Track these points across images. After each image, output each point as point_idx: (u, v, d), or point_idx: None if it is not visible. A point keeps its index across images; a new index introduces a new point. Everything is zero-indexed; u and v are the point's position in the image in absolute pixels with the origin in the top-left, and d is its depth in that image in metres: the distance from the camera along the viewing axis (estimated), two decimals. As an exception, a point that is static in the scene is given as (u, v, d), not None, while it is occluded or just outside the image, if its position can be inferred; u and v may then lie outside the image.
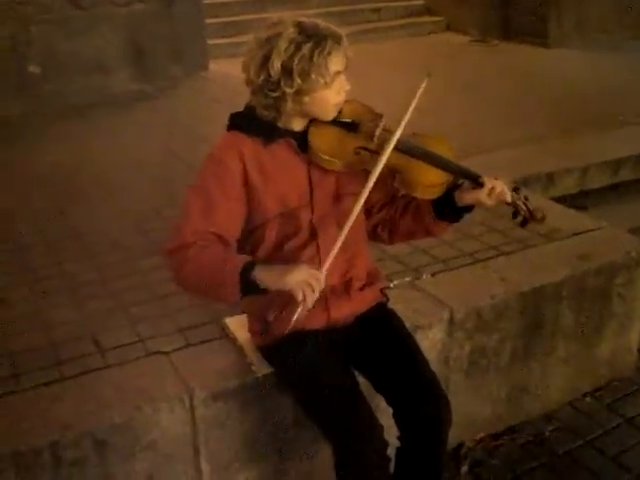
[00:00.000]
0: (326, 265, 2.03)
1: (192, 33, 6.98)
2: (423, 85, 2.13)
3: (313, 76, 2.01)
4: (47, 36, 6.13)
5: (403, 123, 2.10)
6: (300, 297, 1.96)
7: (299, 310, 2.00)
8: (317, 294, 1.98)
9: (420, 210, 2.26)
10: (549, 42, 8.54)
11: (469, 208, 2.22)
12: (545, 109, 5.87)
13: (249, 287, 2.02)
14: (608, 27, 8.80)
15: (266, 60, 2.02)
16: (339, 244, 2.03)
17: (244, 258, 2.06)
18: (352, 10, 9.30)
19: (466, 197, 2.17)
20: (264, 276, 2.01)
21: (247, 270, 2.00)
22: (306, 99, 2.06)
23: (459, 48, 8.45)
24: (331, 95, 2.08)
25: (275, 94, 2.04)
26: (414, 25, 9.32)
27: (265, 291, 2.03)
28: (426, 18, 9.52)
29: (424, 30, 9.23)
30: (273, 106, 2.08)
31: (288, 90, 2.02)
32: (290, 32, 2.00)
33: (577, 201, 4.45)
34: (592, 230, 3.44)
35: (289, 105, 2.06)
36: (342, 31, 2.08)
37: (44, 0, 6.07)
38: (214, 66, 7.20)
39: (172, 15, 6.77)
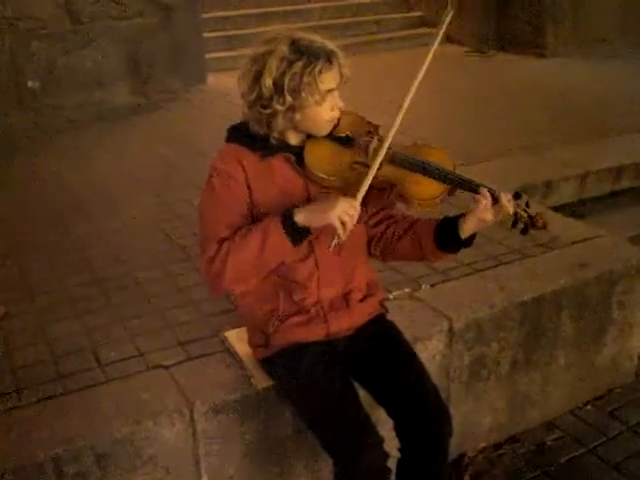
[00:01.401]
0: (359, 197, 2.02)
1: (191, 47, 7.01)
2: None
3: (304, 94, 2.02)
4: (46, 51, 6.16)
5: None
6: (340, 229, 1.99)
7: (336, 239, 2.02)
8: (355, 221, 2.00)
9: (420, 238, 2.24)
10: (546, 52, 8.56)
11: (470, 241, 2.19)
12: (542, 118, 5.89)
13: (295, 232, 2.04)
14: (606, 35, 8.81)
15: (258, 76, 2.04)
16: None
17: (277, 215, 2.07)
18: (353, 22, 9.37)
19: (469, 221, 2.13)
20: (304, 217, 2.03)
21: (288, 218, 2.03)
22: (297, 116, 2.07)
23: (456, 59, 8.47)
24: (323, 112, 2.09)
25: (267, 111, 2.05)
26: (412, 37, 9.35)
27: (309, 232, 2.06)
28: (424, 30, 9.55)
29: (422, 41, 9.24)
30: (265, 122, 2.09)
31: (279, 107, 2.03)
32: (282, 49, 2.02)
33: (576, 209, 4.46)
34: (591, 238, 3.44)
35: (280, 122, 2.08)
36: (338, 47, 2.08)
37: (43, 15, 6.09)
38: (213, 79, 7.22)
39: (171, 29, 6.80)
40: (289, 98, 2.02)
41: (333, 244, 2.03)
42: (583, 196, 4.65)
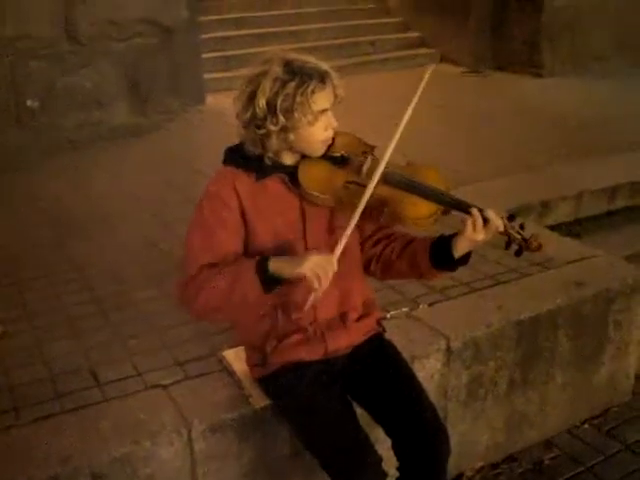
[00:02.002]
0: (337, 253, 2.03)
1: (189, 67, 7.04)
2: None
3: (296, 114, 2.04)
4: (45, 71, 6.18)
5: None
6: (315, 283, 1.99)
7: (313, 295, 2.03)
8: (330, 277, 2.00)
9: (416, 256, 2.24)
10: (542, 71, 8.61)
11: (465, 259, 2.19)
12: (539, 137, 5.93)
13: (268, 281, 2.05)
14: (603, 54, 8.87)
15: (252, 97, 2.06)
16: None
17: (253, 260, 2.08)
18: (349, 43, 9.40)
19: (460, 241, 2.12)
20: (279, 266, 2.04)
21: (262, 265, 2.04)
22: (291, 136, 2.09)
23: (452, 79, 8.52)
24: (317, 132, 2.11)
25: (261, 131, 2.07)
26: (409, 57, 9.40)
27: (282, 282, 2.06)
28: (420, 50, 9.61)
29: (418, 62, 9.31)
30: (260, 142, 2.11)
31: (272, 128, 2.05)
32: (276, 70, 2.04)
33: (572, 229, 4.47)
34: (588, 258, 3.46)
35: (274, 142, 2.09)
36: (332, 68, 2.11)
37: (43, 35, 6.12)
38: (211, 100, 7.24)
39: (170, 49, 6.83)
40: (282, 118, 2.04)
41: (309, 301, 2.04)
42: (579, 215, 4.67)
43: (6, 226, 4.26)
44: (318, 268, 1.99)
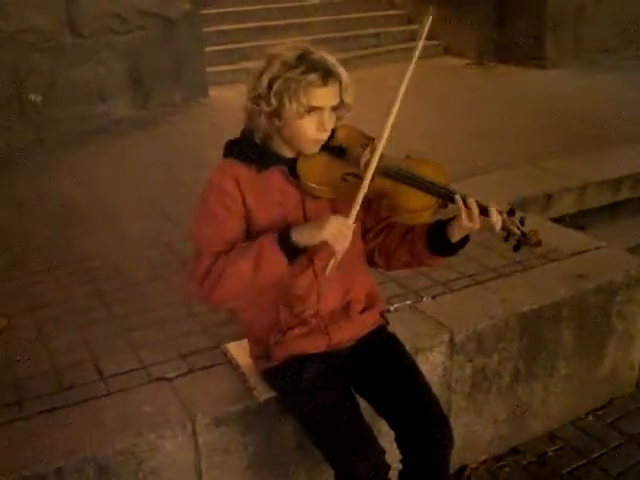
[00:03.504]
0: (353, 215, 2.05)
1: (192, 60, 7.05)
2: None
3: (286, 100, 2.03)
4: (48, 64, 6.19)
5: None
6: (337, 246, 2.02)
7: (332, 260, 2.05)
8: (350, 239, 2.03)
9: (415, 243, 2.24)
10: (546, 63, 8.57)
11: (463, 243, 2.18)
12: (542, 130, 5.91)
13: (290, 251, 2.06)
14: (607, 46, 8.84)
15: (261, 74, 2.07)
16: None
17: (272, 233, 2.09)
18: (353, 36, 9.38)
19: (457, 227, 2.12)
20: (300, 234, 2.06)
21: (284, 237, 2.06)
22: (278, 123, 2.09)
23: (455, 71, 8.50)
24: (305, 128, 2.09)
25: (256, 108, 2.08)
26: (412, 49, 9.38)
27: (305, 250, 2.09)
28: (424, 42, 9.58)
29: (422, 54, 9.27)
30: (253, 118, 2.12)
31: (265, 108, 2.06)
32: (289, 55, 2.05)
33: (575, 221, 4.46)
34: (591, 249, 3.46)
35: (262, 122, 2.10)
36: (345, 73, 2.09)
37: (45, 28, 6.13)
38: (214, 93, 7.25)
39: (173, 42, 6.84)
40: (274, 101, 2.04)
41: (330, 266, 2.06)
42: (583, 207, 4.65)
43: (10, 220, 4.27)
44: (337, 231, 2.01)
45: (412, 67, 2.14)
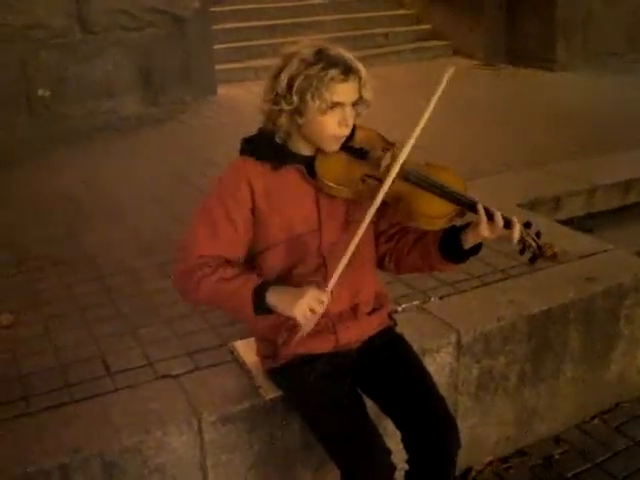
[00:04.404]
0: (331, 284, 2.05)
1: (201, 58, 7.05)
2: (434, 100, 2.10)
3: (309, 98, 2.02)
4: (57, 60, 6.20)
5: (406, 150, 2.06)
6: (304, 326, 2.07)
7: (299, 334, 2.10)
8: (325, 308, 2.05)
9: (427, 249, 2.23)
10: (556, 66, 8.55)
11: (476, 250, 2.18)
12: (551, 131, 5.89)
13: (261, 306, 2.08)
14: (616, 49, 8.82)
15: (279, 73, 2.06)
16: (342, 265, 2.04)
17: (255, 281, 2.10)
18: (363, 35, 9.36)
19: (471, 235, 2.11)
20: (275, 300, 2.07)
21: (260, 293, 2.07)
22: (300, 120, 2.07)
23: (465, 72, 8.48)
24: (328, 124, 2.08)
25: (276, 107, 2.07)
26: (422, 49, 9.39)
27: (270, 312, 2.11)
28: (433, 42, 9.57)
29: (431, 54, 9.29)
30: (273, 119, 2.10)
31: (285, 106, 2.05)
32: (307, 52, 2.04)
33: (584, 223, 4.45)
34: (599, 252, 3.44)
35: (284, 121, 2.09)
36: (364, 69, 2.09)
37: (55, 24, 6.14)
38: (222, 90, 7.24)
39: (182, 40, 6.84)
40: (295, 99, 2.03)
41: (298, 336, 2.11)
42: (592, 210, 4.64)
43: (16, 215, 4.28)
44: (313, 302, 2.02)
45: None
